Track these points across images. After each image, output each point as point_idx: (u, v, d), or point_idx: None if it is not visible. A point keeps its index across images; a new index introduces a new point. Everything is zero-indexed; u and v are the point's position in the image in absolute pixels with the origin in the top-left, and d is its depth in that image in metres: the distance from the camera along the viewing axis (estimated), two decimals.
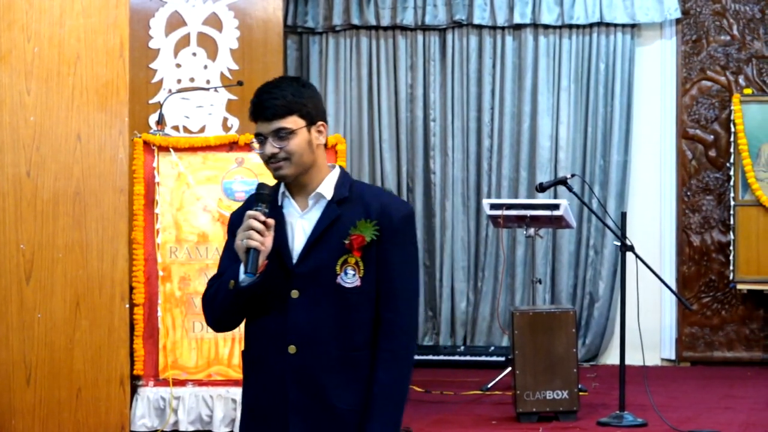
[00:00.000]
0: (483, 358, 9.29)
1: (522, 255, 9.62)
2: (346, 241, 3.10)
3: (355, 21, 9.76)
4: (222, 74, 8.15)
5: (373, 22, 9.76)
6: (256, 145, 3.14)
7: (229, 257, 3.17)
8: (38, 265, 6.21)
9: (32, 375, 6.21)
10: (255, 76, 8.13)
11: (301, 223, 3.14)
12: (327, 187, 3.14)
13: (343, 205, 3.13)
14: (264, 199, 3.08)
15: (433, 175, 9.76)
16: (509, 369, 7.95)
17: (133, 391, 6.54)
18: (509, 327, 7.70)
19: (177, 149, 6.66)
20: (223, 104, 8.10)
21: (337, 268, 3.10)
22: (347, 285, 3.10)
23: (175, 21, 8.16)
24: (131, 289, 6.46)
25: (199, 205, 6.65)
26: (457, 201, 9.74)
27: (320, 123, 3.14)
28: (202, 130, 8.03)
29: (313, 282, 3.10)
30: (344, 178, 3.18)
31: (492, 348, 9.48)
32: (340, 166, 3.23)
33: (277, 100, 3.08)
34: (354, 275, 3.10)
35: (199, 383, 6.64)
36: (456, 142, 9.74)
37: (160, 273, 6.63)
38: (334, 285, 3.10)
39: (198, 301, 6.60)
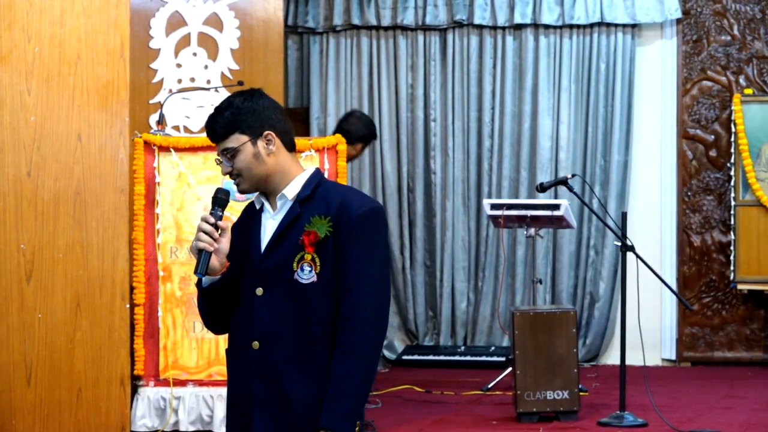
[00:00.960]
0: (483, 358, 9.29)
1: (522, 255, 9.61)
2: (301, 238, 3.19)
3: (356, 21, 9.76)
4: (222, 74, 8.14)
5: (374, 22, 9.76)
6: (220, 165, 3.29)
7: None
8: (39, 265, 6.21)
9: (33, 375, 6.21)
10: (256, 76, 8.12)
11: (271, 224, 3.26)
12: (292, 189, 3.25)
13: (304, 204, 3.23)
14: (219, 203, 3.23)
15: (434, 175, 9.76)
16: (510, 369, 7.96)
17: (134, 391, 6.54)
18: (510, 327, 7.70)
19: (177, 149, 6.66)
20: None
21: (294, 264, 3.19)
22: (304, 281, 3.19)
23: (176, 21, 8.15)
24: (132, 289, 6.46)
25: (199, 205, 6.65)
26: (458, 201, 9.74)
27: (267, 133, 3.23)
28: (202, 130, 8.02)
29: (274, 279, 3.21)
30: (313, 178, 3.28)
31: (492, 348, 9.48)
32: (317, 168, 3.31)
33: (216, 123, 3.23)
34: (310, 271, 3.19)
35: (200, 383, 6.64)
36: (456, 142, 9.74)
37: (161, 273, 6.63)
38: (291, 281, 3.19)
39: None
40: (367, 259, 3.20)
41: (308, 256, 3.18)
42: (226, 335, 3.38)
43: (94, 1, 6.27)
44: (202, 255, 3.17)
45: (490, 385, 8.16)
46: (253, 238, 3.26)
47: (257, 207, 3.30)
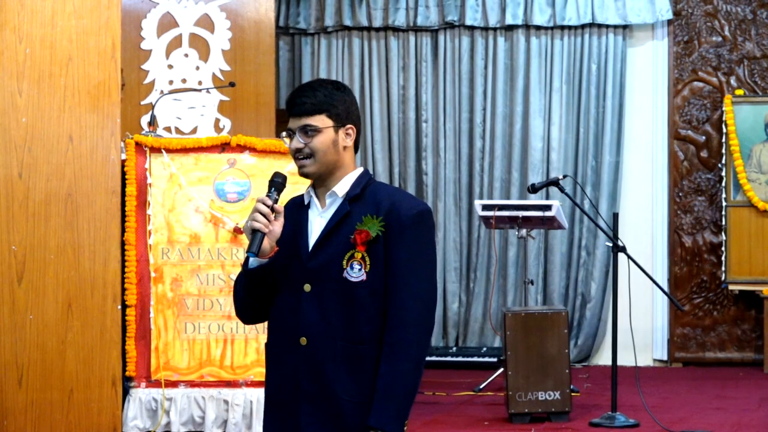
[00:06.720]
0: (475, 359, 9.30)
1: (514, 256, 9.62)
2: (351, 236, 3.20)
3: (347, 22, 9.76)
4: (214, 75, 8.14)
5: (365, 23, 9.77)
6: (286, 139, 3.29)
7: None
8: (30, 266, 6.20)
9: (24, 376, 6.20)
10: (247, 77, 8.12)
11: (319, 221, 3.27)
12: (343, 186, 3.27)
13: (354, 202, 3.24)
14: (276, 186, 3.24)
15: (425, 176, 9.76)
16: (501, 370, 7.96)
17: (125, 392, 6.54)
18: (501, 328, 7.70)
19: (169, 150, 6.65)
20: (215, 105, 8.09)
21: (344, 262, 3.20)
22: (353, 279, 3.20)
23: (167, 22, 8.15)
24: (123, 290, 6.45)
25: (191, 206, 6.64)
26: (449, 202, 9.75)
27: (349, 126, 3.32)
28: (194, 131, 8.02)
29: (322, 276, 3.22)
30: (362, 178, 3.30)
31: (484, 349, 9.49)
32: (365, 168, 3.35)
33: (308, 98, 3.26)
34: (360, 270, 3.20)
35: (191, 384, 6.63)
36: (448, 143, 9.75)
37: (152, 274, 6.62)
38: (341, 279, 3.20)
39: (190, 302, 6.60)
40: (416, 260, 3.22)
41: (358, 255, 3.19)
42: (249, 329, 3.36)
43: (86, 2, 6.26)
44: (256, 235, 3.18)
45: (481, 386, 8.16)
46: (300, 234, 3.27)
47: (305, 202, 3.31)
